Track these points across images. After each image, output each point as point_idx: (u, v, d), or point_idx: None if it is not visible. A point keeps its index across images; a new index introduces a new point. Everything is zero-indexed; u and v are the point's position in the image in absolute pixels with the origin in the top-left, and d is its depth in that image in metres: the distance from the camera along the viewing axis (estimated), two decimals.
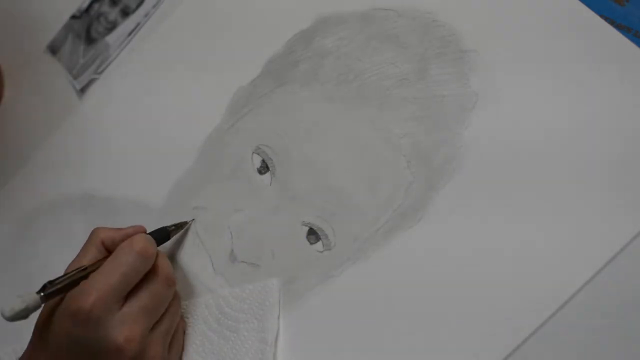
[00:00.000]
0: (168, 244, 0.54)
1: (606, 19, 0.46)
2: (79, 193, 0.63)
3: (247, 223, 0.52)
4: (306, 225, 0.50)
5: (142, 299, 0.47)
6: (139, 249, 0.47)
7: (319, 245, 0.50)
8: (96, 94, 0.66)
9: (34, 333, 0.48)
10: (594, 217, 0.43)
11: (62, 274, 0.48)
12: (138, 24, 0.65)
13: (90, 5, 0.69)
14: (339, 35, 0.53)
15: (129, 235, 0.50)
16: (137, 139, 0.61)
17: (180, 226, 0.54)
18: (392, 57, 0.51)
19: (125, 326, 0.45)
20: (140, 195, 0.59)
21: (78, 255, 0.50)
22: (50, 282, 0.46)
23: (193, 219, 0.54)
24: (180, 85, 0.61)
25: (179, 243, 0.55)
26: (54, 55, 0.69)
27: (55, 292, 0.46)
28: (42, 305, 0.46)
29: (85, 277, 0.47)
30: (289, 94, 0.54)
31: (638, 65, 0.44)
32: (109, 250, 0.50)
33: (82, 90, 0.67)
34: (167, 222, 0.55)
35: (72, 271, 0.47)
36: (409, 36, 0.51)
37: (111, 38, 0.67)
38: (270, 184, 0.52)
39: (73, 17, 0.69)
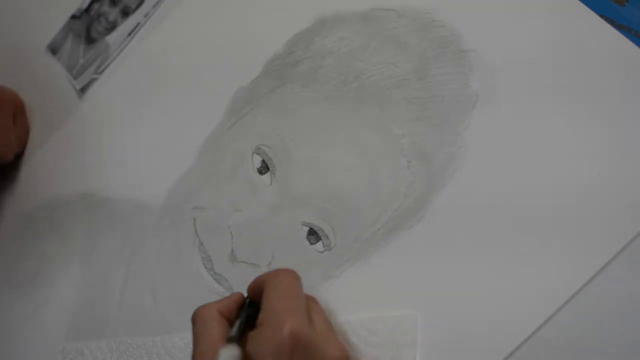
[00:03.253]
0: (167, 245, 0.54)
1: (606, 19, 0.46)
2: (79, 193, 0.63)
3: (247, 223, 0.52)
4: (306, 226, 0.50)
5: (319, 313, 0.45)
6: (284, 272, 0.45)
7: (319, 245, 0.50)
8: (96, 94, 0.66)
9: None
10: (594, 216, 0.43)
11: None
12: (138, 24, 0.65)
13: (90, 5, 0.69)
14: (339, 35, 0.53)
15: (239, 299, 0.46)
16: (137, 138, 0.61)
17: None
18: (392, 57, 0.51)
19: (329, 342, 0.42)
20: (140, 195, 0.59)
21: (203, 338, 0.43)
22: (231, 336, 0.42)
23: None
24: (180, 85, 0.61)
25: (178, 243, 0.55)
26: (54, 55, 0.69)
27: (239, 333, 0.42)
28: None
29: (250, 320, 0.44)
30: (289, 94, 0.54)
31: (638, 65, 0.44)
32: (228, 319, 0.45)
33: (82, 90, 0.67)
34: (168, 222, 0.55)
35: (240, 316, 0.44)
36: (409, 36, 0.51)
37: (111, 38, 0.67)
38: (271, 184, 0.52)
39: (73, 17, 0.69)
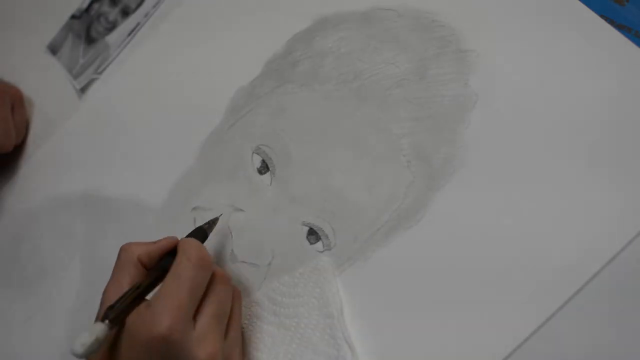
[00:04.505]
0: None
1: (606, 19, 0.46)
2: (79, 193, 0.63)
3: (248, 223, 0.52)
4: (306, 225, 0.50)
5: (211, 307, 0.45)
6: (196, 260, 0.45)
7: (319, 245, 0.50)
8: (96, 94, 0.66)
9: None
10: (594, 216, 0.43)
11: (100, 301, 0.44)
12: (138, 24, 0.65)
13: (90, 5, 0.69)
14: (339, 35, 0.53)
15: (164, 247, 0.47)
16: (137, 138, 0.61)
17: (213, 222, 0.52)
18: (392, 57, 0.51)
19: (203, 342, 0.43)
20: (140, 195, 0.59)
21: (114, 278, 0.46)
22: (110, 308, 0.43)
23: (221, 214, 0.52)
24: (180, 85, 0.61)
25: None
26: (54, 55, 0.69)
27: (119, 316, 0.43)
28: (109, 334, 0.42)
29: (140, 296, 0.44)
30: (289, 94, 0.54)
31: (638, 65, 0.44)
32: (146, 267, 0.47)
33: (82, 90, 0.67)
34: (167, 222, 0.55)
35: (128, 291, 0.44)
36: (409, 36, 0.51)
37: (111, 38, 0.67)
38: (270, 184, 0.52)
39: (73, 17, 0.69)
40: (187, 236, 0.49)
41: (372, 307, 0.47)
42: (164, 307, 0.42)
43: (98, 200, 0.61)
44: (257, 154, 0.53)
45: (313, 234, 0.50)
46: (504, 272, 0.44)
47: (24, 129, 0.68)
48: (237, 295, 0.49)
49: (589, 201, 0.43)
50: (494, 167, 0.46)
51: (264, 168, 0.53)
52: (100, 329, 0.41)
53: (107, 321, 0.42)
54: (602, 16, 0.46)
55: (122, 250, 0.47)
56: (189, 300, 0.43)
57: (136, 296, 0.44)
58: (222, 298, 0.46)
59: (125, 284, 0.45)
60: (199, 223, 0.54)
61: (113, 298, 0.44)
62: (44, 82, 0.69)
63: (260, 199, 0.52)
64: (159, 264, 0.47)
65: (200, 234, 0.50)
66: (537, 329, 0.42)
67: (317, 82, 0.53)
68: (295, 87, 0.54)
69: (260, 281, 0.51)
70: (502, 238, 0.44)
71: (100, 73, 0.66)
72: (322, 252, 0.50)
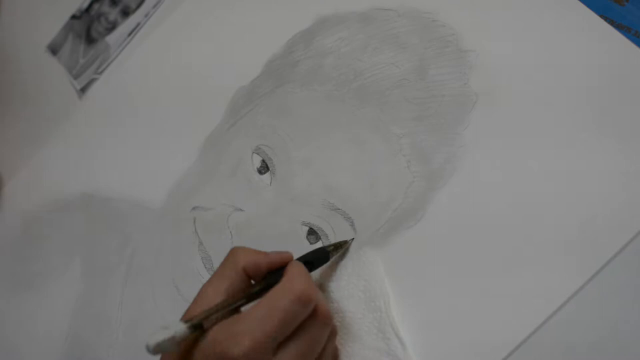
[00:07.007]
0: (166, 245, 0.54)
1: (606, 19, 0.46)
2: (79, 193, 0.63)
3: (247, 223, 0.52)
4: (306, 225, 0.50)
5: (299, 344, 0.41)
6: (299, 294, 0.41)
7: (318, 245, 0.50)
8: (96, 94, 0.66)
9: None
10: (594, 216, 0.43)
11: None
12: (138, 24, 0.65)
13: (90, 5, 0.69)
14: (339, 35, 0.53)
15: (275, 262, 0.44)
16: (137, 138, 0.61)
17: (340, 246, 0.48)
18: (392, 57, 0.51)
19: None
20: (140, 195, 0.59)
21: (215, 280, 0.43)
22: (199, 313, 0.41)
23: (353, 238, 0.49)
24: (180, 85, 0.61)
25: (178, 243, 0.55)
26: (54, 55, 0.69)
27: (203, 322, 0.40)
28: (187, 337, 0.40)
29: (234, 311, 0.42)
30: (289, 94, 0.54)
31: (638, 65, 0.44)
32: (251, 277, 0.44)
33: (82, 90, 0.67)
34: (167, 221, 0.55)
35: (224, 302, 0.42)
36: (409, 36, 0.51)
37: (111, 38, 0.67)
38: (270, 183, 0.52)
39: (73, 17, 0.69)
40: (306, 256, 0.46)
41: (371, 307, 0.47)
42: (248, 329, 0.39)
43: (98, 200, 0.61)
44: (257, 154, 0.53)
45: (313, 234, 0.50)
46: (504, 272, 0.44)
47: None
48: (332, 334, 0.45)
49: (590, 199, 0.43)
50: (493, 167, 0.46)
51: (264, 168, 0.53)
52: (179, 328, 0.39)
53: (189, 323, 0.40)
54: (602, 16, 0.46)
55: (231, 253, 0.44)
56: (278, 330, 0.40)
57: (230, 309, 0.42)
58: (315, 337, 0.42)
59: (223, 289, 0.43)
60: (199, 223, 0.54)
61: (209, 299, 0.42)
62: (44, 82, 0.69)
63: (260, 198, 0.52)
64: (264, 279, 0.44)
65: (321, 255, 0.47)
66: (537, 329, 0.42)
67: (317, 82, 0.53)
68: (295, 87, 0.54)
69: None
70: (502, 238, 0.44)
71: (100, 73, 0.66)
72: None
